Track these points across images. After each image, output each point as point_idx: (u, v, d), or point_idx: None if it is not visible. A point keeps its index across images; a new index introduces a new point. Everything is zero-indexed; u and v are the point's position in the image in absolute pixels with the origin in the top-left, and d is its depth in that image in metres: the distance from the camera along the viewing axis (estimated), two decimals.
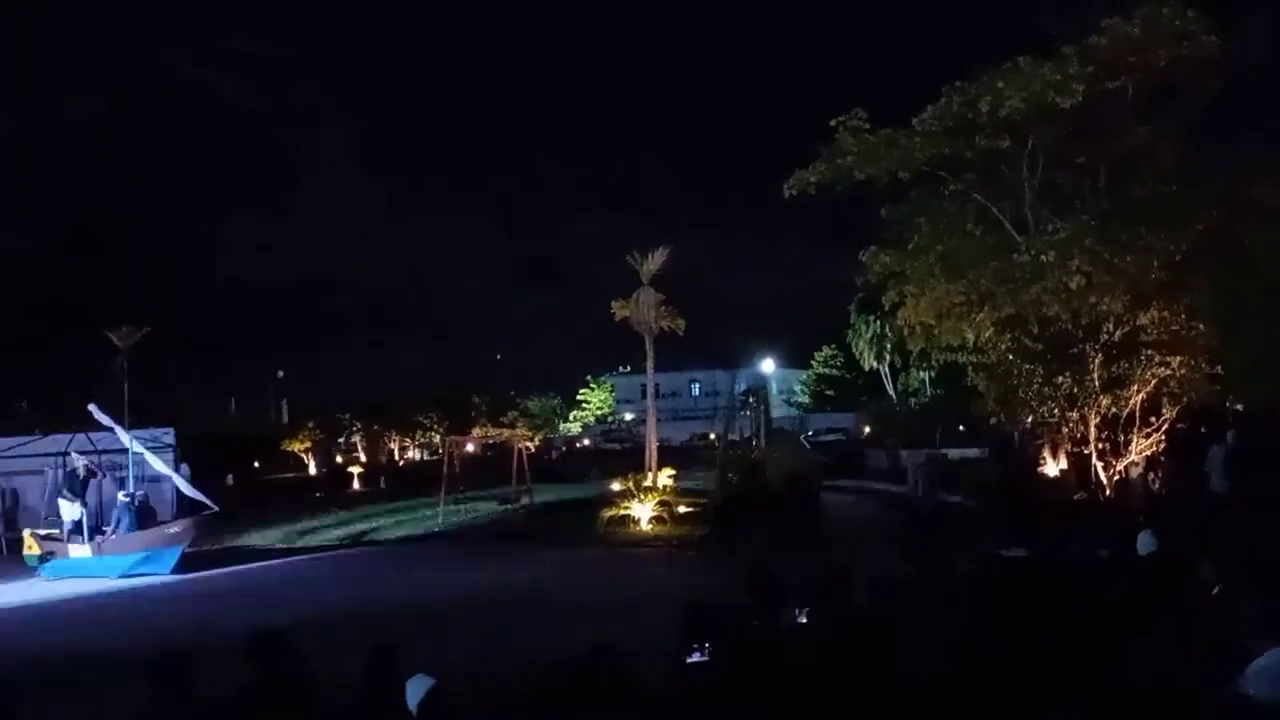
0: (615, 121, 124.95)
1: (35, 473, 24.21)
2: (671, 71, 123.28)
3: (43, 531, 21.89)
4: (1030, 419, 20.42)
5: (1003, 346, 19.73)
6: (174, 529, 20.55)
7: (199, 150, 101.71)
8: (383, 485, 42.94)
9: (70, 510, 22.13)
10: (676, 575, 16.92)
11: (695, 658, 5.09)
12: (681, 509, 24.09)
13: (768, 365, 72.39)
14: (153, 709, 5.00)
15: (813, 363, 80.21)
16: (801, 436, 45.81)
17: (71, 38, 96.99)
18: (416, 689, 4.70)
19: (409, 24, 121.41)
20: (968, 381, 21.90)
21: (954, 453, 30.23)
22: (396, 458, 72.72)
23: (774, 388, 72.43)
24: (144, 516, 21.20)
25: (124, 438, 22.45)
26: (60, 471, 22.67)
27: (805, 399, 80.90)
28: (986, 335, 20.11)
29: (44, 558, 20.81)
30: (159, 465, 22.31)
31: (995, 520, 17.21)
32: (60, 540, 21.17)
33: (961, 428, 33.08)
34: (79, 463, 22.50)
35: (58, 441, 25.32)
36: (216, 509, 22.13)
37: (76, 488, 22.21)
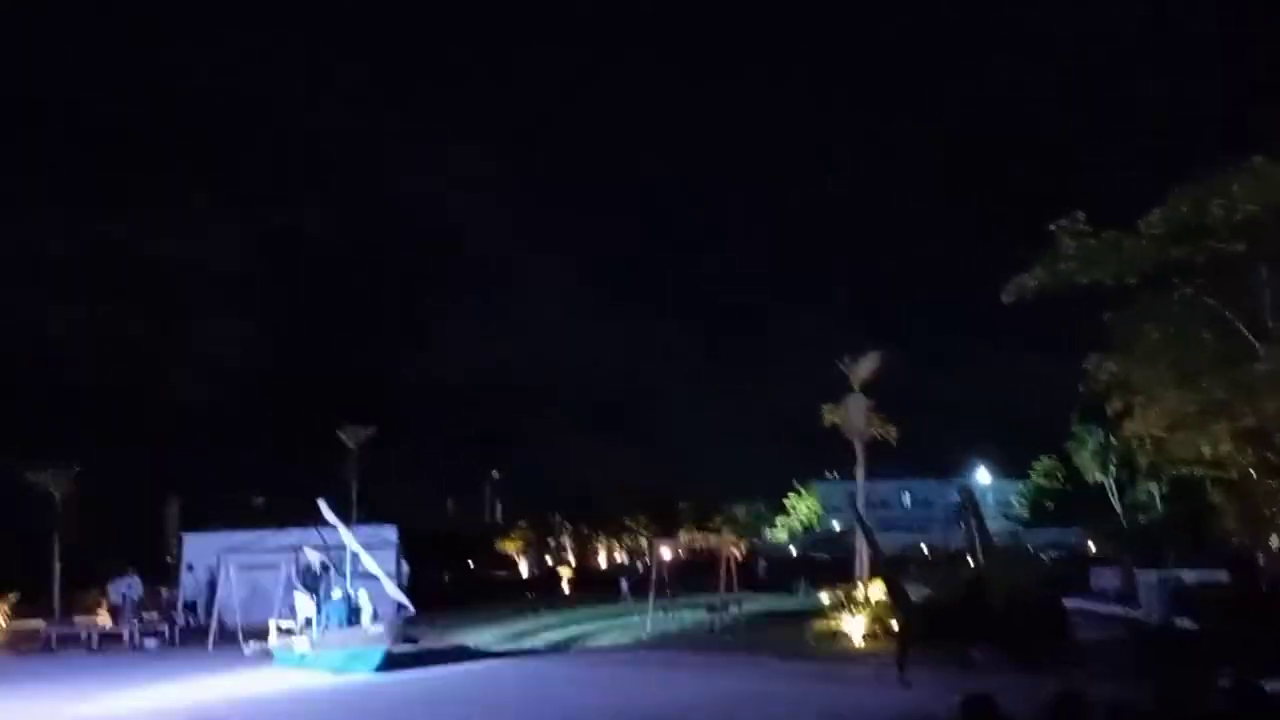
0: (822, 225, 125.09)
1: (270, 567, 25.59)
2: (886, 174, 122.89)
3: (283, 624, 23.16)
4: (1278, 540, 18.99)
5: (1244, 462, 18.48)
6: (376, 629, 21.14)
7: (417, 260, 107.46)
8: (589, 588, 43.34)
9: (304, 604, 23.41)
10: (892, 697, 16.29)
11: None
12: (896, 624, 23.30)
13: (983, 475, 69.99)
14: None
15: (1030, 473, 77.05)
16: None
17: (299, 156, 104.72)
18: None
19: (614, 137, 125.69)
20: (1205, 498, 20.58)
21: (1188, 574, 28.25)
22: (604, 559, 73.46)
23: (989, 499, 69.84)
24: (355, 615, 22.05)
25: (343, 535, 23.61)
26: (295, 566, 23.98)
27: (1023, 511, 77.55)
28: (1225, 449, 18.90)
29: (277, 648, 21.92)
30: (370, 565, 23.21)
31: (1241, 648, 15.92)
32: (293, 632, 22.33)
33: (1195, 547, 30.97)
34: (314, 558, 23.82)
35: (291, 536, 26.89)
36: (413, 612, 22.86)
37: (311, 582, 23.48)
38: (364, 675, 19.60)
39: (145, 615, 28.90)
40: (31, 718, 16.50)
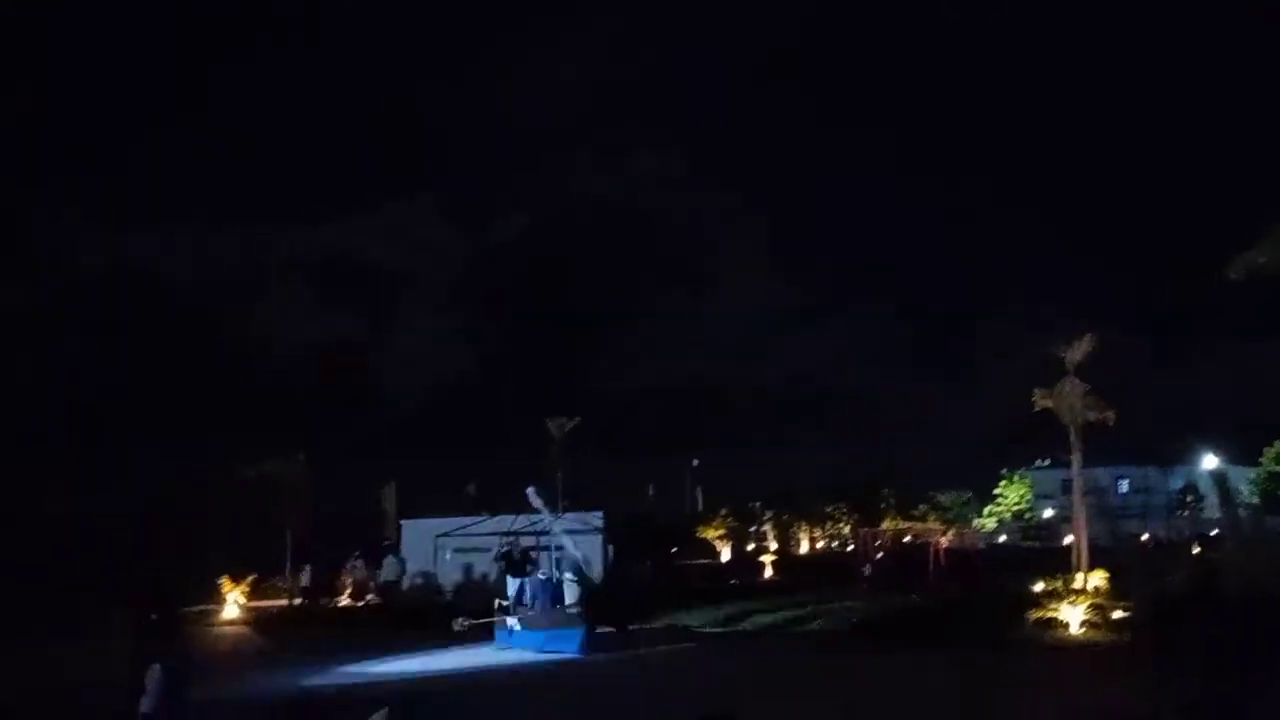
0: (1021, 208, 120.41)
1: (481, 550, 26.53)
2: (1098, 155, 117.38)
3: (497, 604, 24.10)
4: None
5: None
6: (574, 610, 21.53)
7: (619, 252, 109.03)
8: (793, 575, 43.09)
9: (512, 586, 24.25)
10: (1113, 689, 15.62)
11: None
12: (1116, 614, 22.33)
13: (1209, 461, 66.05)
14: None
15: (1260, 460, 72.32)
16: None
17: (503, 163, 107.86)
18: None
19: (804, 127, 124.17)
20: None
21: None
22: (805, 548, 72.88)
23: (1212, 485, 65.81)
24: (556, 596, 22.57)
25: (547, 520, 24.26)
26: (507, 550, 24.80)
27: (1253, 499, 72.84)
28: None
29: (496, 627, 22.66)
30: (570, 549, 23.74)
31: None
32: (507, 612, 23.13)
33: None
34: (521, 543, 24.63)
35: (501, 522, 27.83)
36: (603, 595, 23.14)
37: (516, 565, 24.26)
38: (566, 654, 20.03)
39: (369, 595, 30.53)
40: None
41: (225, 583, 32.80)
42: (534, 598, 22.69)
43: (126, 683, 9.60)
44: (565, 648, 20.23)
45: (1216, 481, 22.69)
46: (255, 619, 30.25)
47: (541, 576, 23.24)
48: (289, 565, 32.70)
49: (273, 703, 14.21)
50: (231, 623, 30.03)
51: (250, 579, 33.37)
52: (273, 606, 30.98)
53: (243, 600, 32.22)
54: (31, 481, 46.08)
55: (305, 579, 32.51)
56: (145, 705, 9.50)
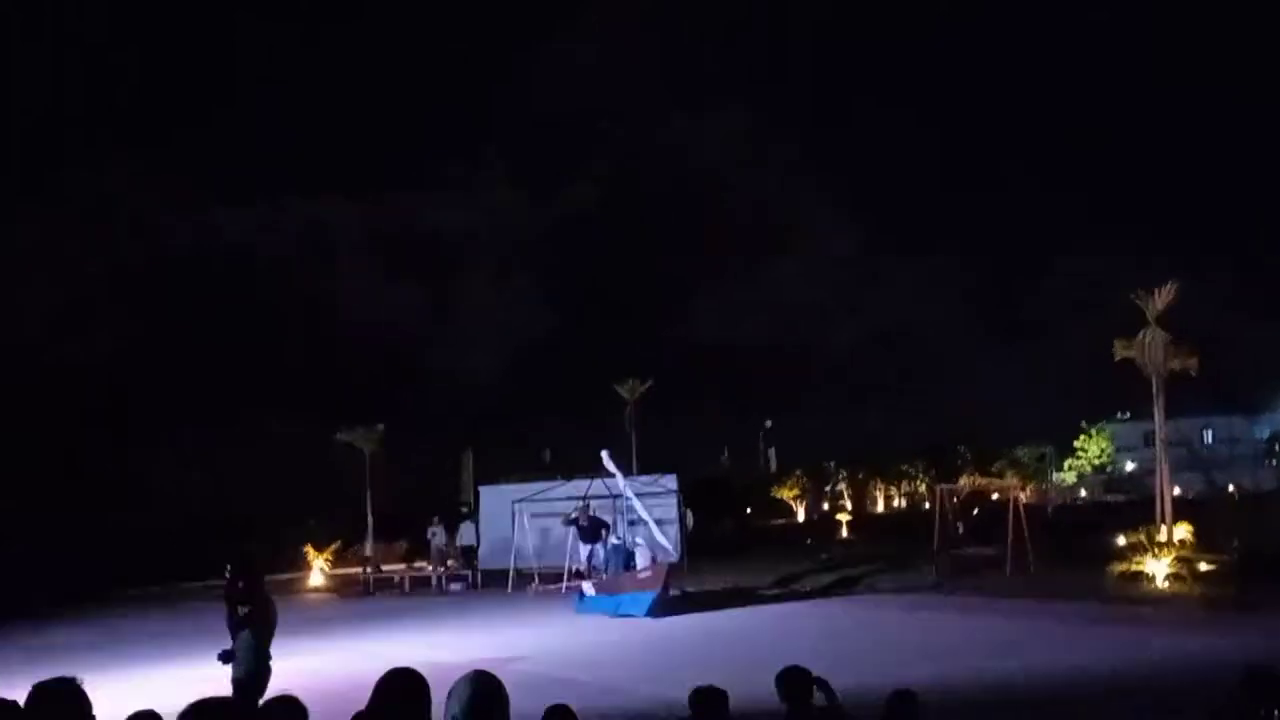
0: (1104, 152, 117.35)
1: (558, 515, 26.71)
2: (1181, 102, 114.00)
3: (573, 569, 24.36)
4: None
5: None
6: (644, 574, 21.44)
7: (687, 214, 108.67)
8: (870, 533, 42.94)
9: (583, 551, 24.51)
10: (1211, 638, 15.35)
11: None
12: (1203, 566, 21.94)
13: None
14: None
15: None
16: None
17: (570, 126, 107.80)
18: None
19: (887, 77, 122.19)
20: None
21: None
22: (881, 506, 72.59)
23: None
24: (630, 560, 22.68)
25: (620, 483, 24.39)
26: (575, 516, 24.99)
27: None
28: None
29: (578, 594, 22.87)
30: (641, 513, 23.82)
31: None
32: (583, 577, 23.39)
33: None
34: (591, 508, 24.84)
35: (578, 487, 28.03)
36: (676, 558, 23.18)
37: (590, 531, 24.46)
38: (638, 618, 20.10)
39: (450, 562, 31.04)
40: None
41: (309, 551, 33.56)
42: (606, 562, 22.84)
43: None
44: (638, 611, 20.31)
45: (1270, 438, 22.03)
46: (338, 586, 30.94)
47: (615, 541, 23.39)
48: (370, 534, 33.32)
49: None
50: (316, 590, 30.75)
51: (334, 547, 34.10)
52: (356, 574, 31.64)
53: (327, 568, 32.96)
54: (123, 452, 47.58)
55: (368, 549, 33.20)
56: (236, 671, 9.76)
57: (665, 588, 20.81)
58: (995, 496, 39.11)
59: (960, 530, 29.40)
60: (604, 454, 24.33)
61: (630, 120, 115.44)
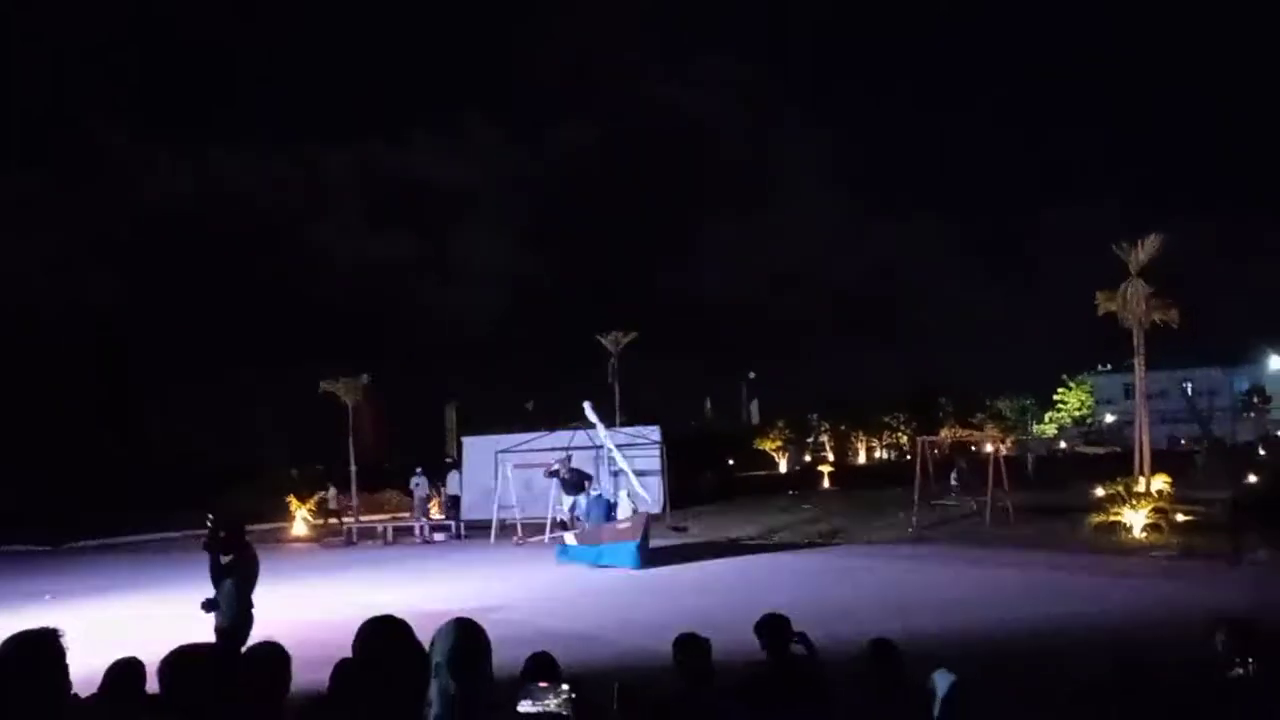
0: (1085, 103, 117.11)
1: (541, 467, 26.77)
2: (1175, 50, 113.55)
3: (556, 520, 24.40)
4: None
5: None
6: (622, 525, 21.43)
7: (674, 164, 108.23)
8: (851, 484, 43.23)
9: (566, 503, 24.57)
10: (1187, 588, 15.54)
11: (1236, 673, 4.67)
12: (1179, 517, 22.21)
13: (1276, 362, 64.82)
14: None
15: None
16: None
17: (563, 75, 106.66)
18: (942, 682, 4.70)
19: (876, 38, 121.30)
20: None
21: None
22: (863, 458, 72.94)
23: None
24: (608, 511, 22.72)
25: (600, 434, 24.45)
26: (564, 466, 25.01)
27: None
28: None
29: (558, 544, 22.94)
30: (621, 463, 23.94)
31: None
32: (566, 528, 23.50)
33: None
34: (572, 460, 24.87)
35: (560, 438, 28.08)
36: (656, 509, 23.13)
37: (573, 483, 24.48)
38: (621, 568, 20.19)
39: (434, 512, 31.15)
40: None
41: (292, 501, 33.56)
42: (588, 513, 22.90)
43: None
44: (620, 562, 20.39)
45: (1247, 390, 22.21)
46: (320, 536, 31.00)
47: (594, 492, 23.44)
48: (353, 484, 33.36)
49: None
50: (298, 540, 30.80)
51: (317, 497, 34.10)
52: (338, 524, 31.69)
53: (310, 518, 33.00)
54: (121, 401, 47.60)
55: (331, 500, 33.33)
56: (219, 620, 9.79)
57: (645, 538, 20.88)
58: (974, 449, 39.44)
59: (956, 480, 29.59)
60: (586, 405, 24.36)
61: (621, 70, 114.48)
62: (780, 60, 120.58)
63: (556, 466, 24.66)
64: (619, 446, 25.20)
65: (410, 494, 32.96)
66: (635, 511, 21.79)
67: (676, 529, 22.81)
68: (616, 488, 23.48)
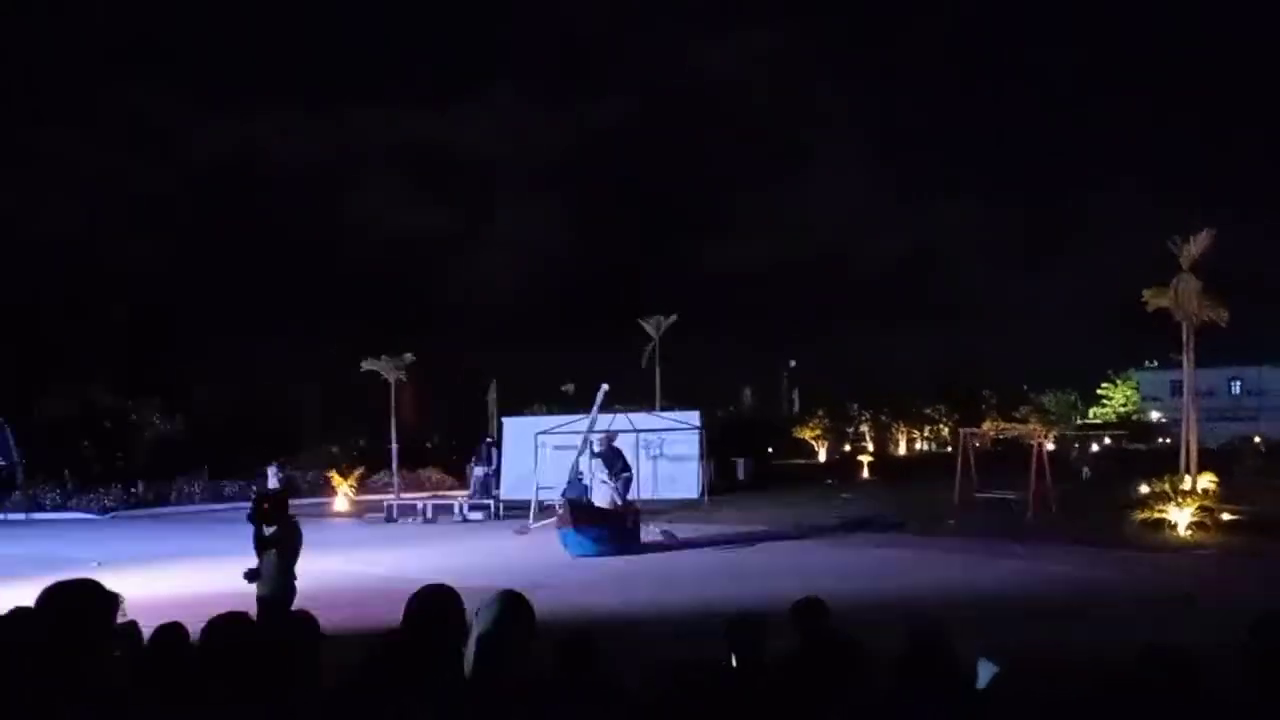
0: (1137, 88, 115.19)
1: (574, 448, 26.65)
2: (1217, 38, 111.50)
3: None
4: None
5: None
6: (588, 510, 21.12)
7: (711, 139, 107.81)
8: (891, 475, 42.98)
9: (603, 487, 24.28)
10: (1232, 584, 15.35)
11: None
12: (1226, 516, 21.92)
13: None
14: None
15: None
16: None
17: (602, 49, 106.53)
18: (985, 672, 4.65)
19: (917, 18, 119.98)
20: None
21: None
22: (903, 449, 72.51)
23: None
24: (580, 494, 21.98)
25: (593, 417, 24.08)
26: (597, 448, 24.82)
27: None
28: None
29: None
30: (596, 446, 23.29)
31: None
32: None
33: None
34: (610, 442, 24.63)
35: (601, 421, 28.06)
36: (628, 501, 22.40)
37: (614, 465, 24.27)
38: (585, 554, 19.97)
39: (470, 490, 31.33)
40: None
41: (334, 477, 33.87)
42: (562, 496, 22.27)
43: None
44: (575, 549, 20.12)
45: None
46: (361, 511, 31.29)
47: (578, 478, 22.88)
48: (395, 462, 33.55)
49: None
50: (340, 515, 31.10)
51: (358, 473, 34.40)
52: (379, 500, 31.95)
53: (351, 494, 33.32)
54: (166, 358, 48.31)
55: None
56: (261, 589, 9.92)
57: (583, 528, 20.47)
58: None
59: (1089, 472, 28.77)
60: (603, 387, 24.20)
61: (657, 41, 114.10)
62: (818, 35, 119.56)
63: (599, 447, 24.42)
64: (658, 431, 25.08)
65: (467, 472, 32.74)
66: (615, 504, 21.50)
67: (664, 533, 22.49)
68: (600, 476, 22.58)
